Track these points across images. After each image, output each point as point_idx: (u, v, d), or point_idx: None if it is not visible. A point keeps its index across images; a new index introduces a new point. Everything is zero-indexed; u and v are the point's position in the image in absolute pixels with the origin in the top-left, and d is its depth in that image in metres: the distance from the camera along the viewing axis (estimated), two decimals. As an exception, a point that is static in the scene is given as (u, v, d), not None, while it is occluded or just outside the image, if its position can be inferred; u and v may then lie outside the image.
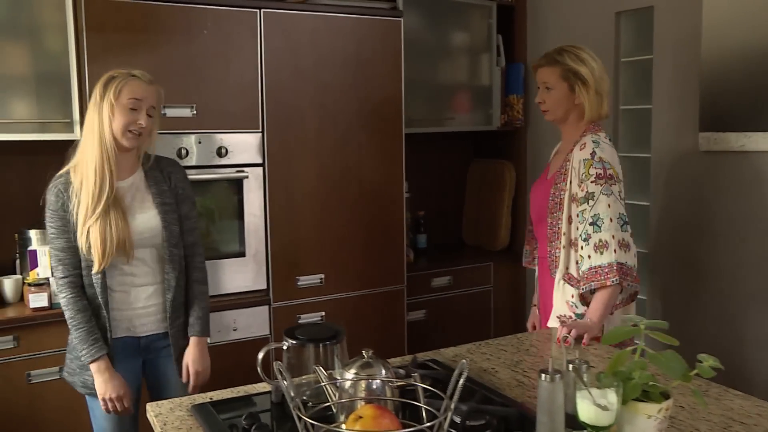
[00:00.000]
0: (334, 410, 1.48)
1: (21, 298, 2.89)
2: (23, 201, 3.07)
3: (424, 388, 1.46)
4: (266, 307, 3.06)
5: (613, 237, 2.22)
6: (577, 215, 2.28)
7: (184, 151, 2.83)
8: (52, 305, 2.75)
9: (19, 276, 2.93)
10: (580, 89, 2.34)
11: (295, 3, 3.02)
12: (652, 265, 3.28)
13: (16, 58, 2.71)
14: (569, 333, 2.12)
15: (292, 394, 1.26)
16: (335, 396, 1.46)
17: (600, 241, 2.22)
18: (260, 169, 2.99)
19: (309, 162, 3.09)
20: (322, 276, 3.15)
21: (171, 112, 2.80)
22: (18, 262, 2.98)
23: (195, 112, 2.85)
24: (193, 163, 2.87)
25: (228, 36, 2.88)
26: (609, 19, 3.39)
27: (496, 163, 4.02)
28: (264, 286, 3.06)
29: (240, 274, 3.01)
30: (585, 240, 2.25)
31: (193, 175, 2.86)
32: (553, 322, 2.35)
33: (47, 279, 2.81)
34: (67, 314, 2.14)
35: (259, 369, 1.68)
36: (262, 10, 2.94)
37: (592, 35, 3.46)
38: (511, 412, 1.62)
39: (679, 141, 3.11)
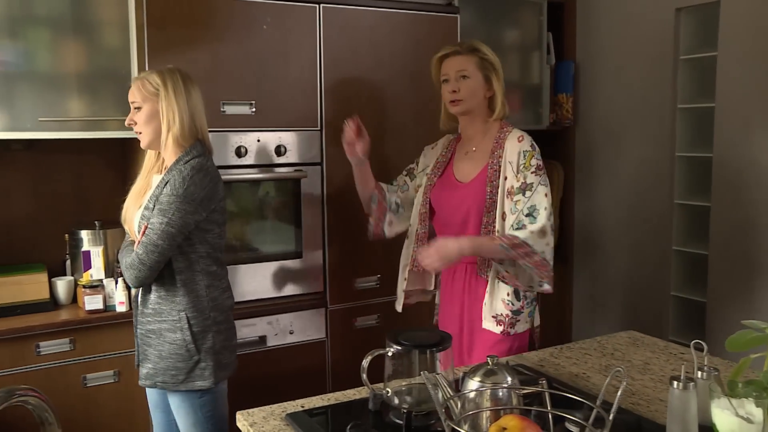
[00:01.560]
0: (442, 419, 1.40)
1: (73, 300, 2.83)
2: (73, 201, 3.02)
3: (551, 394, 1.39)
4: (323, 310, 2.99)
5: (549, 228, 2.18)
6: (511, 209, 2.22)
7: (243, 150, 2.76)
8: (107, 307, 2.69)
9: (71, 277, 2.87)
10: (496, 80, 2.31)
11: (352, -2, 2.95)
12: (713, 267, 3.20)
13: (74, 55, 2.66)
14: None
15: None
16: (454, 406, 1.38)
17: (539, 229, 2.16)
18: (318, 168, 2.92)
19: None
20: (379, 277, 3.08)
21: (230, 110, 2.74)
22: (68, 263, 2.92)
23: (254, 110, 2.78)
24: (252, 162, 2.80)
25: (287, 31, 2.81)
26: (668, 16, 3.32)
27: (544, 163, 3.94)
28: (320, 289, 2.99)
29: (296, 276, 2.94)
30: (518, 229, 2.17)
31: (251, 174, 2.81)
32: (488, 324, 2.27)
33: (101, 281, 2.74)
34: None
35: (363, 376, 1.61)
36: (322, 5, 2.87)
37: (649, 32, 3.40)
38: (630, 420, 1.54)
39: (745, 140, 3.03)
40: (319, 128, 2.92)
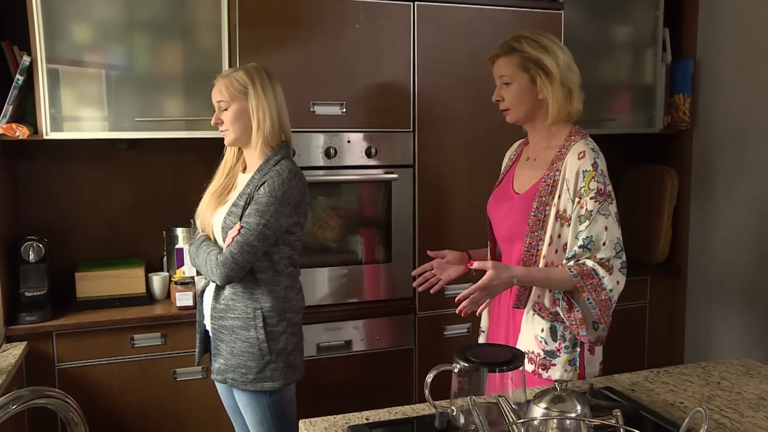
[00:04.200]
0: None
1: (168, 296, 2.90)
2: (172, 198, 3.10)
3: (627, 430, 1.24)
4: (411, 317, 2.92)
5: (619, 265, 1.91)
6: (569, 236, 1.92)
7: (332, 151, 2.73)
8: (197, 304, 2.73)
9: (166, 273, 2.94)
10: (543, 81, 1.98)
11: (449, -5, 2.85)
12: None
13: (170, 57, 2.73)
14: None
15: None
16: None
17: (606, 262, 1.89)
18: (410, 170, 2.85)
19: (461, 164, 2.92)
20: (471, 284, 2.95)
21: (320, 110, 2.71)
22: (165, 259, 3.00)
23: (345, 110, 2.74)
24: (342, 163, 2.76)
25: (380, 30, 2.76)
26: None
27: (656, 168, 3.68)
28: (410, 294, 2.91)
29: (385, 281, 2.88)
30: (577, 259, 1.91)
31: (342, 176, 2.77)
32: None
33: (192, 278, 2.80)
34: None
35: (426, 392, 1.52)
36: (416, 3, 2.79)
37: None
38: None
39: None
40: (411, 129, 2.85)
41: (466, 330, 2.99)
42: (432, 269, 2.22)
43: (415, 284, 2.24)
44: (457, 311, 1.92)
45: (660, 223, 3.63)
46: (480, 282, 1.88)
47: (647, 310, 3.58)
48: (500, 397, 1.31)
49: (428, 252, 2.22)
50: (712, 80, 3.50)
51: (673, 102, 3.59)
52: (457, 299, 1.91)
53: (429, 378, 1.51)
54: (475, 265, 1.92)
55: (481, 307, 1.95)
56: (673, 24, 3.56)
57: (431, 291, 2.22)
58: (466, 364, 1.49)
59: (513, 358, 1.50)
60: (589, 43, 3.36)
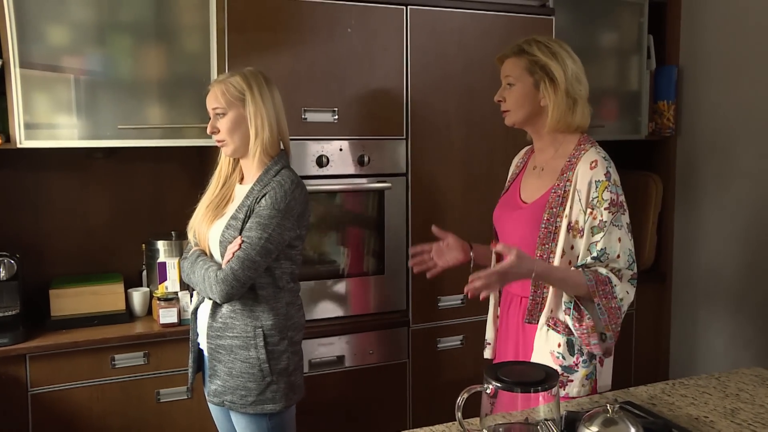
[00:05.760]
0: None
1: (148, 312, 2.76)
2: (151, 210, 2.97)
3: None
4: (405, 329, 2.83)
5: (630, 276, 1.87)
6: (582, 246, 1.87)
7: (324, 159, 2.63)
8: (181, 321, 2.60)
9: (146, 288, 2.80)
10: (546, 87, 1.94)
11: (441, -1, 2.79)
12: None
13: (153, 61, 2.60)
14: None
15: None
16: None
17: (618, 271, 1.86)
18: (403, 179, 2.77)
19: (455, 172, 2.86)
20: (463, 296, 2.89)
21: (312, 117, 2.62)
22: (145, 274, 2.86)
23: (336, 117, 2.65)
24: (333, 172, 2.67)
25: (373, 35, 2.68)
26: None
27: (640, 175, 3.67)
28: (403, 307, 2.83)
29: (378, 294, 2.79)
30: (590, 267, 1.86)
31: (334, 185, 2.68)
32: None
33: (176, 293, 2.66)
34: None
35: (458, 414, 1.43)
36: (409, 7, 2.72)
37: (766, 31, 3.10)
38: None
39: None
40: (404, 137, 2.77)
41: (459, 343, 2.91)
42: (431, 251, 2.12)
43: (410, 263, 2.15)
44: (465, 290, 1.78)
45: (645, 230, 3.62)
46: (500, 266, 1.80)
47: (633, 317, 3.56)
48: (545, 421, 1.23)
49: (433, 227, 2.10)
50: (695, 87, 3.51)
51: (658, 108, 3.59)
52: (470, 279, 1.78)
53: (461, 400, 1.43)
54: (499, 247, 1.82)
55: (486, 293, 1.83)
56: (657, 31, 3.56)
57: (427, 275, 2.12)
58: (499, 384, 1.41)
59: (547, 377, 1.42)
60: (577, 50, 3.27)
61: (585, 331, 1.88)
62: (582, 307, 1.89)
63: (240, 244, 1.94)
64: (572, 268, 1.89)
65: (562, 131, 1.99)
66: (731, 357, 3.35)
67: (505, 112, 2.02)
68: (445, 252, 2.11)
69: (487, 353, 2.18)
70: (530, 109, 1.97)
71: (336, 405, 2.73)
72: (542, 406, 1.38)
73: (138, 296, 2.74)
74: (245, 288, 1.96)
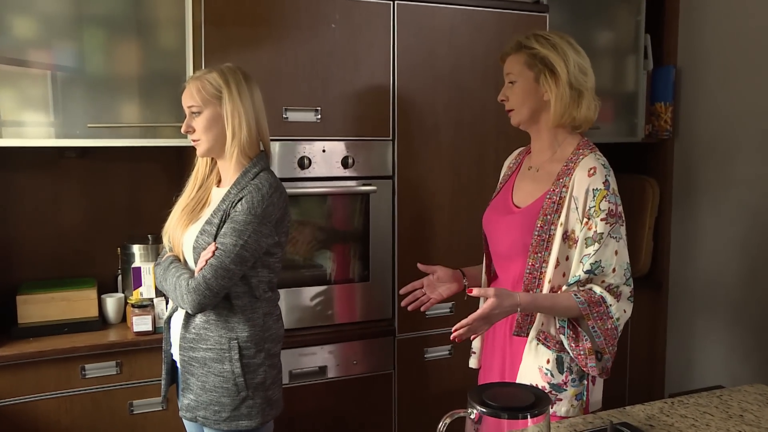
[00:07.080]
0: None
1: (123, 319, 2.65)
2: (127, 212, 2.86)
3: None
4: (390, 339, 2.72)
5: (628, 292, 1.78)
6: (574, 258, 1.78)
7: (306, 161, 2.52)
8: (156, 329, 2.49)
9: (121, 295, 2.68)
10: (547, 80, 1.83)
11: (430, -6, 2.68)
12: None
13: (126, 56, 2.49)
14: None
15: None
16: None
17: (614, 288, 1.76)
18: (389, 182, 2.66)
19: (444, 175, 2.75)
20: (452, 304, 2.78)
21: (293, 116, 2.50)
22: (120, 279, 2.74)
23: (319, 117, 2.53)
24: (316, 174, 2.55)
25: (358, 31, 2.57)
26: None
27: (636, 178, 3.57)
28: (389, 315, 2.72)
29: (362, 301, 2.68)
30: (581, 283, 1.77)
31: (316, 188, 2.57)
32: None
33: (151, 300, 2.55)
34: None
35: (441, 443, 1.32)
36: (396, 2, 2.61)
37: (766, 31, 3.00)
38: None
39: None
40: (390, 138, 2.66)
41: (447, 353, 2.80)
42: (422, 287, 2.07)
43: (403, 303, 2.09)
44: (451, 337, 1.73)
45: (641, 236, 3.52)
46: (480, 311, 1.71)
47: (628, 327, 3.45)
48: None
49: (418, 265, 2.06)
50: (693, 88, 3.41)
51: (655, 110, 3.49)
52: (454, 328, 1.72)
53: (443, 426, 1.31)
54: (475, 292, 1.72)
55: (477, 335, 1.78)
56: (654, 30, 3.46)
57: (421, 309, 2.08)
58: (484, 410, 1.29)
59: (537, 401, 1.31)
60: (572, 49, 3.22)
61: (582, 353, 1.79)
62: (578, 327, 1.80)
63: (213, 251, 1.83)
64: (561, 291, 1.79)
65: (566, 127, 1.88)
66: (730, 369, 3.25)
67: (509, 112, 1.92)
68: (436, 285, 2.07)
69: (473, 362, 2.09)
70: (533, 105, 1.87)
71: (318, 418, 2.63)
72: (532, 427, 1.28)
73: (112, 302, 2.63)
74: (219, 298, 1.85)
